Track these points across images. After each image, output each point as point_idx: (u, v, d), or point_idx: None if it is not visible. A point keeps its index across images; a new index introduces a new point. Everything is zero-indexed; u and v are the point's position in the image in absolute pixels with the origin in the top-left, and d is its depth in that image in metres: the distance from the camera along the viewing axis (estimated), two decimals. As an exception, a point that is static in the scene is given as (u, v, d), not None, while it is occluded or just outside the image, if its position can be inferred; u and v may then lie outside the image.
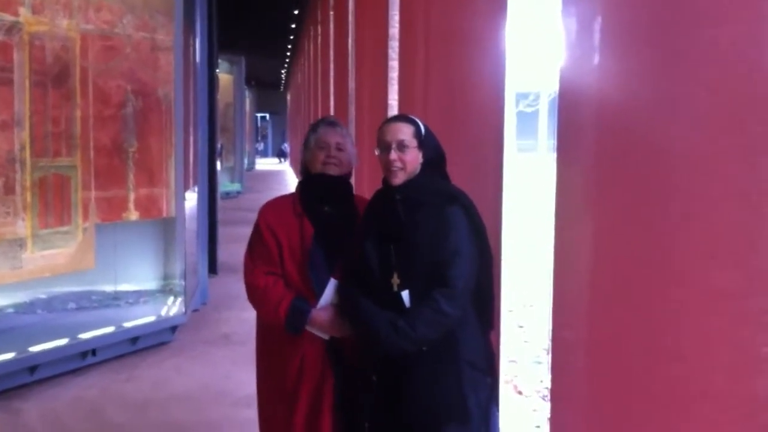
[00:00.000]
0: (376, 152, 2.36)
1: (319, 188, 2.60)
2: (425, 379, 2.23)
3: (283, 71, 35.40)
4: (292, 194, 2.68)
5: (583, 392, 1.92)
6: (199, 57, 7.24)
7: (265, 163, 39.11)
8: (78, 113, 5.30)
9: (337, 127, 2.65)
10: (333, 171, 2.58)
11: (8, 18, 4.81)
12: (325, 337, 2.49)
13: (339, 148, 2.59)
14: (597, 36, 1.80)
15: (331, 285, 2.47)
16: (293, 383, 2.51)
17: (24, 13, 4.91)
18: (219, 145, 10.82)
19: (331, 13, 10.60)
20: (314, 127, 2.67)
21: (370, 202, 2.50)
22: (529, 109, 32.44)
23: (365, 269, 2.33)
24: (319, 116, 12.92)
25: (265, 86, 39.13)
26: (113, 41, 5.58)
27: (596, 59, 1.80)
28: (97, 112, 5.44)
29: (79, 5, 5.28)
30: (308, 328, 2.46)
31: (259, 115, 43.46)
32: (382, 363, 2.29)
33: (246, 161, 24.81)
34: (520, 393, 4.64)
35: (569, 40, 1.96)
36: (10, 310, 5.25)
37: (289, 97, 39.00)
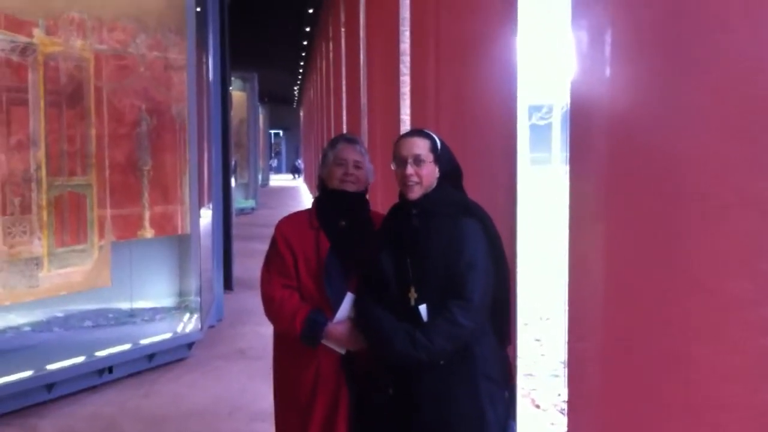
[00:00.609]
0: (393, 167, 2.37)
1: (336, 203, 2.61)
2: (442, 392, 2.22)
3: (296, 88, 35.58)
4: (308, 209, 2.70)
5: (600, 402, 1.91)
6: (212, 75, 7.29)
7: (279, 179, 39.25)
8: (93, 132, 5.36)
9: (356, 145, 2.66)
10: (350, 188, 2.60)
11: (22, 39, 4.87)
12: (341, 351, 2.49)
13: (357, 166, 2.61)
14: (607, 47, 1.80)
15: (348, 299, 2.48)
16: (308, 396, 2.52)
17: (38, 35, 4.98)
18: (233, 162, 10.89)
19: (343, 29, 10.66)
20: (333, 143, 2.68)
21: (386, 216, 2.50)
22: (542, 122, 32.41)
23: (382, 283, 2.33)
24: (332, 132, 12.97)
25: (278, 103, 39.34)
26: (127, 60, 5.64)
27: (606, 70, 1.80)
28: (111, 131, 5.50)
29: (93, 26, 5.35)
30: (324, 341, 2.47)
31: (272, 131, 43.66)
32: (399, 376, 2.29)
33: (260, 177, 24.91)
34: (537, 407, 4.60)
35: (579, 51, 1.96)
36: (28, 328, 5.28)
37: (302, 114, 39.18)
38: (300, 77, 30.47)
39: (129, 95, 5.65)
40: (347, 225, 2.59)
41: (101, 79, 5.42)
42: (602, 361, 1.88)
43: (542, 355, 5.80)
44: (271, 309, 2.55)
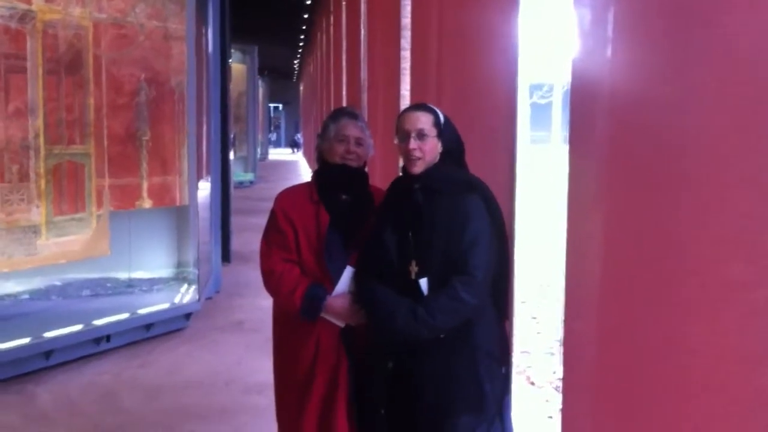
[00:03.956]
0: (395, 141, 2.37)
1: (337, 178, 2.60)
2: (441, 367, 2.24)
3: (296, 61, 35.36)
4: (308, 183, 2.69)
5: (594, 382, 1.92)
6: (212, 46, 7.24)
7: (278, 153, 39.16)
8: (91, 101, 5.32)
9: (358, 121, 2.64)
10: (352, 164, 2.59)
11: (21, 6, 4.83)
12: (341, 324, 2.50)
13: (358, 143, 2.59)
14: (609, 27, 1.79)
15: (348, 272, 2.48)
16: (307, 370, 2.52)
17: (37, 2, 4.93)
18: (232, 135, 10.83)
19: (344, 3, 10.57)
20: (335, 117, 2.65)
21: (388, 190, 2.50)
22: (542, 101, 32.31)
23: (383, 257, 2.33)
24: (332, 106, 12.91)
25: (278, 76, 39.10)
26: (126, 29, 5.59)
27: (608, 50, 1.79)
28: (110, 101, 5.46)
29: (93, -7, 5.29)
30: (323, 315, 2.47)
31: (272, 105, 43.47)
32: (398, 350, 2.30)
33: (259, 151, 24.85)
34: (532, 384, 4.64)
35: (581, 31, 1.95)
36: (26, 296, 5.29)
37: (302, 87, 38.98)
38: (300, 51, 30.27)
39: (128, 65, 5.61)
40: (348, 199, 2.59)
41: (100, 47, 5.38)
42: (597, 340, 1.89)
43: (538, 333, 5.83)
44: (271, 282, 2.55)
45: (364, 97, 7.66)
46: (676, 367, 1.49)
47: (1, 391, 4.36)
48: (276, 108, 47.35)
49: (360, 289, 2.43)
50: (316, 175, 2.69)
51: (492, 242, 2.27)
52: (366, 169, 2.72)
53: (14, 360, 4.51)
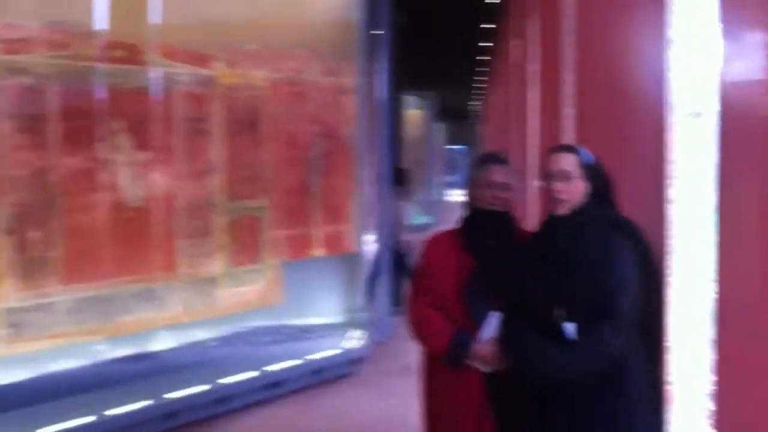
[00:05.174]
0: (540, 183, 2.34)
1: (482, 222, 2.61)
2: (588, 411, 2.18)
3: (475, 103, 35.60)
4: (455, 228, 2.72)
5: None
6: (383, 95, 7.42)
7: (456, 195, 39.32)
8: (268, 157, 5.61)
9: (505, 165, 2.66)
10: (498, 209, 2.59)
11: (204, 72, 5.22)
12: (486, 370, 2.49)
13: (506, 188, 2.59)
14: (759, 44, 1.64)
15: (493, 318, 2.47)
16: (454, 416, 2.55)
17: (219, 67, 5.31)
18: (408, 179, 11.02)
19: (515, 42, 10.52)
20: (481, 163, 2.69)
21: (533, 233, 2.49)
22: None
23: (528, 302, 2.31)
24: (510, 148, 12.80)
25: (456, 119, 39.52)
26: (301, 87, 5.86)
27: (760, 71, 1.63)
28: (285, 155, 5.72)
29: (270, 56, 5.60)
30: (469, 361, 2.48)
31: (451, 147, 43.88)
32: (546, 396, 2.24)
33: (438, 193, 25.12)
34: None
35: (728, 50, 1.81)
36: (207, 344, 5.57)
37: (482, 130, 39.16)
38: (478, 94, 30.46)
39: (302, 120, 5.85)
40: (494, 244, 2.58)
41: (277, 106, 5.66)
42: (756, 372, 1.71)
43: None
44: (417, 329, 2.64)
45: (526, 139, 7.53)
46: None
47: (172, 438, 4.57)
48: (456, 150, 47.77)
49: (505, 334, 2.40)
50: (463, 220, 2.70)
51: (639, 283, 2.18)
52: (513, 214, 2.68)
53: (190, 406, 4.73)
